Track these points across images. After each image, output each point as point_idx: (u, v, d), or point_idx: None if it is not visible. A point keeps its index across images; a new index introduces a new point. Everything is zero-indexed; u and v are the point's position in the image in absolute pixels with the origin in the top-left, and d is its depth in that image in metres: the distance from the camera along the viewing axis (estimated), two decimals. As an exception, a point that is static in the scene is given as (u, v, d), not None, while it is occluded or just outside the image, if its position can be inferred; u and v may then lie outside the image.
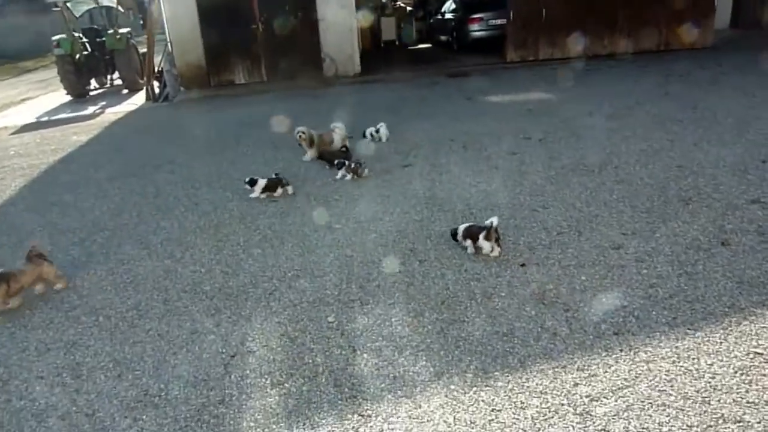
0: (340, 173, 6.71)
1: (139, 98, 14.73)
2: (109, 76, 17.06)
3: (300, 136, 7.22)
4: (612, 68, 12.52)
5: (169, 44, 14.50)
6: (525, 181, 6.06)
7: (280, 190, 6.28)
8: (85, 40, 16.07)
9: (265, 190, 6.26)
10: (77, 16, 16.47)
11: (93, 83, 16.85)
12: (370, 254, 4.77)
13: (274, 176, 6.36)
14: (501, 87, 11.52)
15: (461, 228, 4.47)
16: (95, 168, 8.34)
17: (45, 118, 13.47)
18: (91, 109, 13.99)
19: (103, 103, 14.76)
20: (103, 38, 15.92)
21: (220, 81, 14.75)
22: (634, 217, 4.95)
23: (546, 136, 7.59)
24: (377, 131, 8.17)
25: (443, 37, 19.51)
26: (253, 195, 6.27)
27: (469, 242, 4.35)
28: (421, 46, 21.23)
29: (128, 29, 16.32)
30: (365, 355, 3.43)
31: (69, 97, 15.84)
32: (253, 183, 6.25)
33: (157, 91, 14.47)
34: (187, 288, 4.54)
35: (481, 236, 4.26)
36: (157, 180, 7.47)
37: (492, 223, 4.19)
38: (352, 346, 3.53)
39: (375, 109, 10.40)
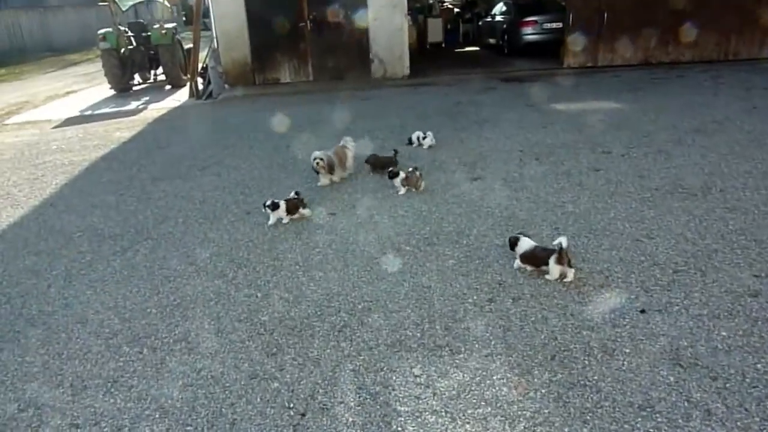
0: (396, 184, 6.01)
1: (183, 95, 14.32)
2: (153, 72, 16.71)
3: (318, 163, 6.19)
4: (681, 77, 11.59)
5: (215, 40, 14.05)
6: (617, 203, 5.29)
7: (302, 212, 5.50)
8: (130, 34, 15.75)
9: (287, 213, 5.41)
10: (123, 10, 16.16)
11: (137, 78, 16.52)
12: (450, 285, 4.08)
13: (293, 196, 5.48)
14: (564, 94, 10.71)
15: (523, 247, 3.99)
16: (138, 167, 7.85)
17: (88, 112, 13.14)
18: (134, 105, 13.61)
19: (147, 98, 14.38)
20: (149, 33, 15.56)
21: (266, 79, 14.24)
22: (762, 254, 4.16)
23: (629, 151, 6.79)
24: (424, 137, 7.52)
25: (492, 40, 18.71)
26: (271, 222, 5.40)
27: (517, 263, 4.08)
28: (467, 49, 20.45)
29: (174, 24, 15.93)
30: (467, 427, 2.74)
31: (113, 92, 15.52)
32: (275, 207, 5.35)
33: (200, 88, 14.02)
34: (242, 317, 3.91)
35: (552, 259, 3.80)
36: (204, 183, 6.92)
37: (561, 244, 3.74)
38: (450, 412, 2.85)
39: (429, 114, 9.71)
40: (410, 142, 7.64)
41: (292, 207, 5.43)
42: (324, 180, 6.36)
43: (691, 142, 7.01)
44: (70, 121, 12.03)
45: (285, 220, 5.41)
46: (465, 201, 5.68)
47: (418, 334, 3.51)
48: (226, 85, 14.03)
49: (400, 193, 6.00)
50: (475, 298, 3.87)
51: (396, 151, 6.77)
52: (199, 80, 14.33)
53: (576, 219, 5.02)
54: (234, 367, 3.37)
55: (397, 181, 5.97)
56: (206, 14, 15.19)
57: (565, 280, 3.85)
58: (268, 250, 4.94)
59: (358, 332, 3.60)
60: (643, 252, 4.33)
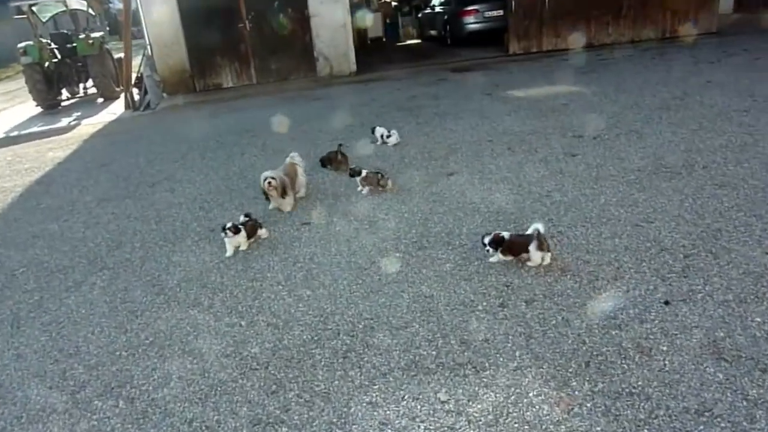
0: (360, 186, 5.69)
1: (118, 107, 13.44)
2: (82, 85, 15.63)
3: (269, 184, 5.22)
4: (630, 57, 11.69)
5: (148, 47, 13.22)
6: (605, 188, 5.10)
7: (259, 232, 4.90)
8: (54, 46, 14.63)
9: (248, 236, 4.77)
10: (44, 21, 15.03)
11: (65, 93, 15.41)
12: (454, 292, 3.75)
13: (245, 218, 4.84)
14: (518, 81, 10.58)
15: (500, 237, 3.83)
16: (80, 189, 7.17)
17: (15, 133, 12.12)
18: (65, 121, 12.66)
19: (78, 114, 13.42)
20: (74, 44, 14.50)
21: (207, 85, 13.54)
22: (767, 230, 4.02)
23: (600, 134, 6.65)
24: (389, 136, 7.22)
25: (434, 32, 18.56)
26: (229, 253, 4.69)
27: (497, 257, 3.92)
28: (409, 42, 20.22)
29: (101, 33, 14.93)
30: (517, 457, 2.41)
31: (39, 109, 14.41)
32: (237, 230, 4.66)
33: (137, 98, 13.18)
34: (228, 351, 3.46)
35: (532, 246, 3.71)
36: (157, 201, 6.34)
37: (539, 230, 3.69)
38: (494, 442, 2.51)
39: (386, 110, 9.38)
40: (373, 134, 7.33)
41: (251, 230, 4.83)
42: (276, 203, 5.42)
43: (659, 120, 6.95)
44: (-6, 144, 11.03)
45: (243, 247, 4.75)
46: (446, 198, 5.37)
47: (434, 353, 3.16)
48: (165, 94, 13.27)
49: (363, 193, 5.66)
50: (484, 304, 3.55)
51: (340, 145, 6.56)
52: (135, 90, 13.47)
53: (567, 208, 4.79)
54: (231, 413, 2.92)
55: (358, 180, 5.63)
56: (135, 21, 14.31)
57: (543, 263, 3.79)
58: (244, 271, 4.47)
59: (365, 356, 3.22)
60: (647, 237, 4.12)
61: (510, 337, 3.21)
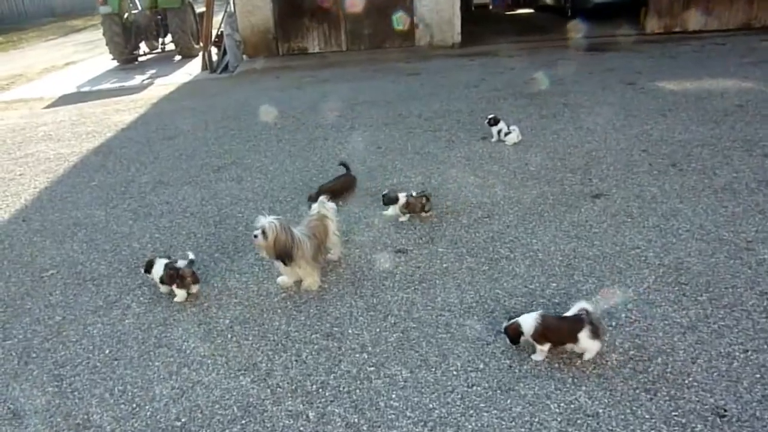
0: (390, 213, 4.62)
1: (194, 67, 12.85)
2: (160, 39, 15.18)
3: (256, 237, 3.53)
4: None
5: (231, 3, 12.42)
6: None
7: (190, 288, 3.76)
8: (134, -4, 14.19)
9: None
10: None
11: (142, 47, 15.00)
12: (619, 403, 2.51)
13: (169, 262, 3.74)
14: (665, 68, 8.93)
15: (530, 322, 2.90)
16: (138, 166, 6.46)
17: (86, 88, 11.78)
18: (138, 79, 12.17)
19: (153, 71, 12.92)
20: (156, -6, 13.97)
21: (291, 49, 12.62)
22: None
23: (804, 154, 5.08)
24: (507, 132, 6.01)
25: (550, 1, 16.77)
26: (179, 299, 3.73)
27: (539, 349, 2.94)
28: (519, 11, 18.50)
29: (184, -16, 14.32)
30: None
31: (115, 63, 14.05)
32: (149, 268, 3.76)
33: (215, 59, 12.47)
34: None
35: (584, 334, 2.79)
36: (220, 192, 5.46)
37: (587, 310, 2.84)
38: None
39: (499, 95, 8.10)
40: (491, 127, 6.12)
41: (170, 276, 3.71)
42: (283, 280, 3.85)
43: None
44: (64, 100, 10.66)
45: (178, 298, 3.73)
46: (595, 235, 4.11)
47: None
48: (245, 56, 12.46)
49: (401, 220, 4.57)
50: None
51: (346, 166, 5.23)
52: (213, 50, 12.77)
53: (789, 275, 3.40)
54: None
55: (394, 208, 4.54)
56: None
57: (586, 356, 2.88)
58: (317, 318, 3.47)
59: None
60: None
61: None
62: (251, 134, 7.25)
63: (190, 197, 5.47)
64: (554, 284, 3.60)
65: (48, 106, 10.26)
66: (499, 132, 6.06)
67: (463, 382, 2.86)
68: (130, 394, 3.01)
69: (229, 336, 3.40)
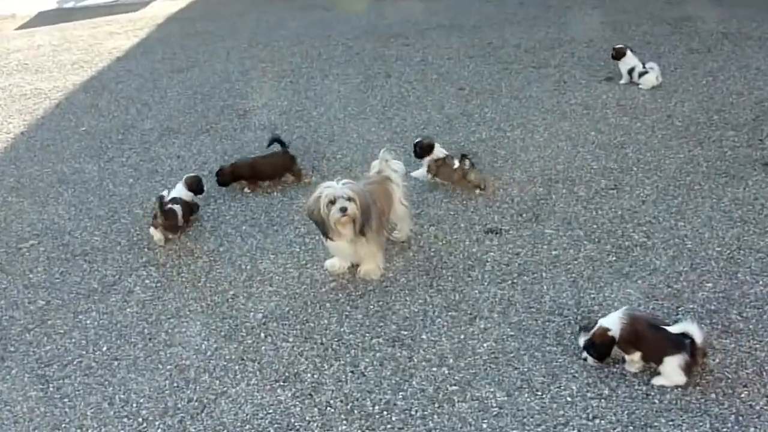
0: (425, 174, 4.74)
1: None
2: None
3: (344, 212, 3.56)
4: None
5: None
6: None
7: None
8: None
9: None
10: None
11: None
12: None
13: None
14: None
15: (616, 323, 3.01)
16: (140, 106, 6.74)
17: (71, 3, 12.21)
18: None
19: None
20: None
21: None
22: None
23: None
24: (644, 71, 5.93)
25: None
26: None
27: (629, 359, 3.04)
28: None
29: None
30: None
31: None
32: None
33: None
34: None
35: (674, 361, 2.89)
36: (247, 145, 5.70)
37: (692, 336, 2.88)
38: None
39: (628, 18, 7.98)
40: (619, 64, 6.08)
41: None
42: (334, 263, 3.98)
43: None
44: (42, 18, 11.08)
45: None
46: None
47: None
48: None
49: (426, 179, 4.70)
50: None
51: (281, 142, 5.07)
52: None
53: None
54: None
55: (425, 164, 4.68)
56: None
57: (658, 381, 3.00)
58: (381, 326, 3.48)
59: None
60: None
61: None
62: (287, 67, 7.38)
63: (208, 150, 5.63)
64: (709, 285, 3.57)
65: (21, 27, 10.68)
66: (630, 71, 6.01)
67: (580, 412, 2.87)
68: (134, 405, 3.16)
69: (263, 335, 3.50)
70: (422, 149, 4.63)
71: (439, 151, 4.61)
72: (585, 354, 3.09)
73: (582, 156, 4.94)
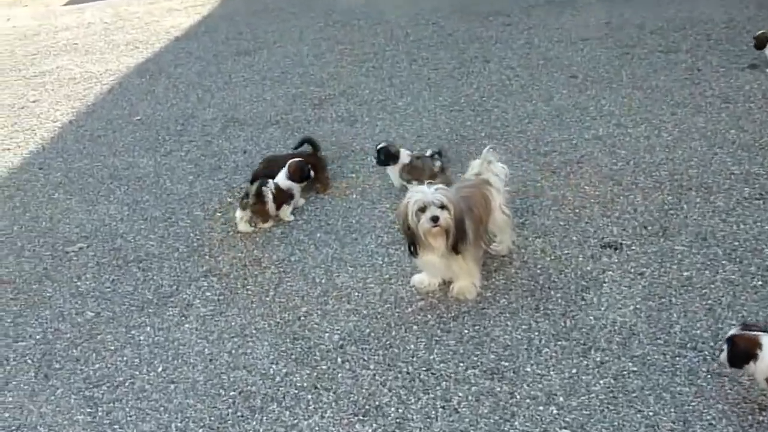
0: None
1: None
2: None
3: (435, 222, 3.53)
4: None
5: None
6: None
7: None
8: None
9: None
10: None
11: None
12: None
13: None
14: None
15: None
16: (200, 93, 6.97)
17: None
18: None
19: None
20: None
21: None
22: None
23: None
24: None
25: None
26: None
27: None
28: None
29: None
30: None
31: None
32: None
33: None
34: None
35: None
36: (323, 137, 5.72)
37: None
38: None
39: None
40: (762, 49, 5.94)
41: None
42: (422, 279, 3.97)
43: None
44: (93, -7, 11.50)
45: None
46: None
47: None
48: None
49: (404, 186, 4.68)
50: None
51: (312, 143, 5.25)
52: None
53: None
54: None
55: (393, 171, 4.84)
56: None
57: None
58: (472, 355, 3.46)
59: None
60: None
61: None
62: (369, 50, 7.50)
63: (278, 143, 5.73)
64: None
65: (70, 2, 11.17)
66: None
67: None
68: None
69: (340, 360, 3.51)
70: (387, 156, 4.70)
71: (404, 157, 4.75)
72: (724, 346, 3.02)
73: (720, 158, 4.82)
